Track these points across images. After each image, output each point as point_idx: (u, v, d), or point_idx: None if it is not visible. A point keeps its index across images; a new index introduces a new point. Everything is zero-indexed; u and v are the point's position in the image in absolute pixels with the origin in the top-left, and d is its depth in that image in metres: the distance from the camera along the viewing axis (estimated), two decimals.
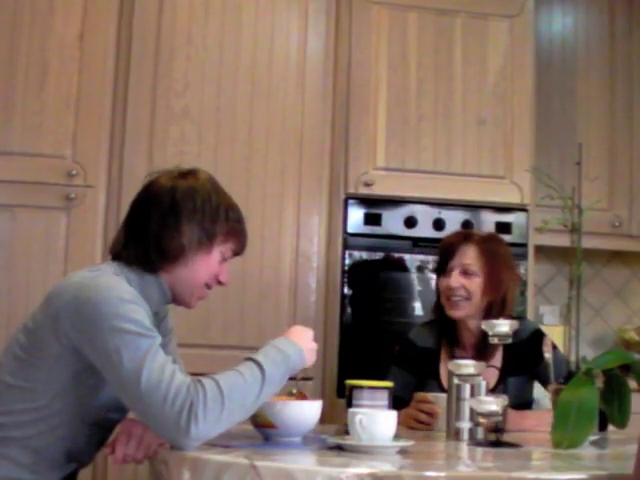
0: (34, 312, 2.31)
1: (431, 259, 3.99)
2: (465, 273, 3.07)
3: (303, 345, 2.27)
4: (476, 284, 3.05)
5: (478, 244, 3.10)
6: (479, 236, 3.17)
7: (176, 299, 2.45)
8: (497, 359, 3.03)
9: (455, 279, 3.07)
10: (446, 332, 3.13)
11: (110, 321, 2.11)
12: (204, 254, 2.40)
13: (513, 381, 3.01)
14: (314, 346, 2.33)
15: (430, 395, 2.82)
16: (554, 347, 2.76)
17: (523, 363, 3.00)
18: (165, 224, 2.35)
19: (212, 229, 2.39)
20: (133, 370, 2.06)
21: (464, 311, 3.07)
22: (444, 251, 3.17)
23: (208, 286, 2.46)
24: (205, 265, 2.41)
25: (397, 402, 2.92)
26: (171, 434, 2.04)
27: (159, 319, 2.50)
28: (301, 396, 2.42)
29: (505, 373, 3.01)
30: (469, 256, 3.08)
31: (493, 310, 3.03)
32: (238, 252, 2.50)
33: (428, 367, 3.09)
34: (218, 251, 2.42)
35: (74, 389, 2.24)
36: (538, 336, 2.93)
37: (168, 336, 2.58)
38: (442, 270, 3.14)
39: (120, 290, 2.20)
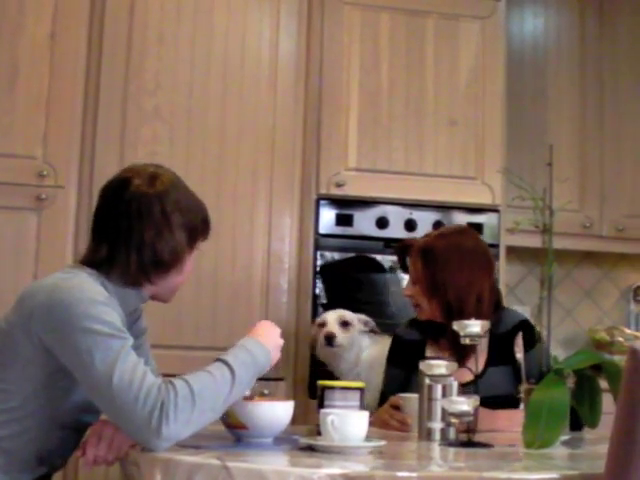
0: (6, 314, 2.29)
1: None
2: (413, 281, 3.11)
3: (270, 344, 2.28)
4: (418, 291, 3.07)
5: (416, 251, 3.10)
6: (423, 240, 3.15)
7: (155, 299, 2.47)
8: (483, 350, 2.96)
9: (406, 289, 3.15)
10: (429, 327, 3.11)
11: (82, 322, 2.10)
12: (190, 253, 2.43)
13: (497, 371, 2.99)
14: (280, 343, 2.33)
15: (401, 396, 2.81)
16: (538, 339, 2.70)
17: (508, 354, 2.97)
18: (159, 234, 2.34)
19: (194, 226, 2.42)
20: (104, 371, 2.05)
21: (424, 315, 3.09)
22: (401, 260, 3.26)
23: None
24: (190, 263, 2.45)
25: (386, 399, 2.92)
26: (142, 435, 2.03)
27: (134, 318, 2.50)
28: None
29: (489, 363, 3.00)
30: (412, 264, 3.12)
31: (452, 312, 2.92)
32: (205, 238, 2.51)
33: (416, 360, 3.06)
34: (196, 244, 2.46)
35: (47, 391, 2.23)
36: (523, 327, 2.92)
37: (142, 337, 2.58)
38: None
39: (93, 292, 2.19)
